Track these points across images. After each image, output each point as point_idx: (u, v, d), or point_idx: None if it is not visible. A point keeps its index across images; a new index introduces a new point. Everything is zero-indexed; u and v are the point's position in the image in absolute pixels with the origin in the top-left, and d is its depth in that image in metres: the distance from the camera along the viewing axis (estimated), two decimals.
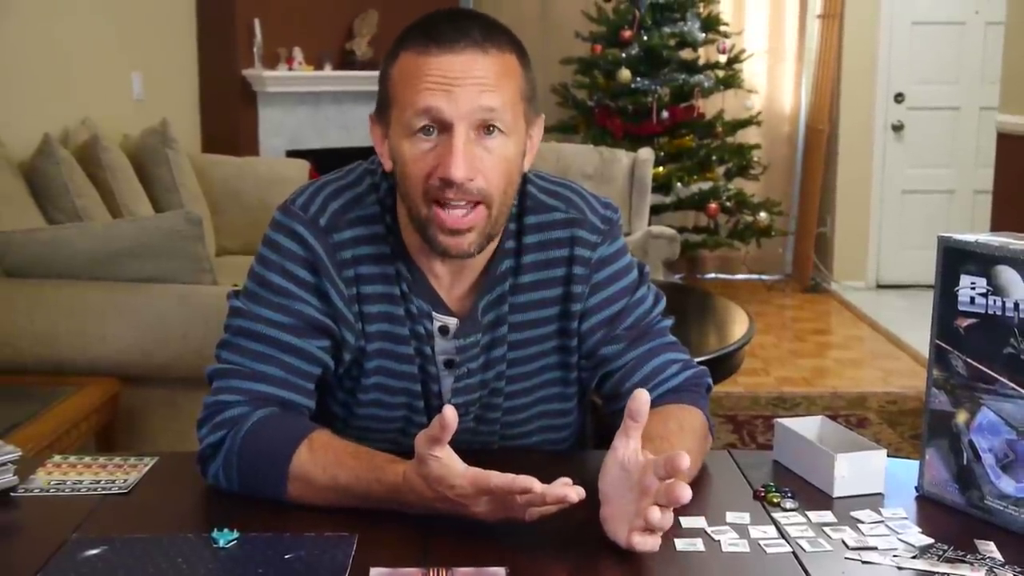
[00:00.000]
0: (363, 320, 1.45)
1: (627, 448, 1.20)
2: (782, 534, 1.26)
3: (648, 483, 1.17)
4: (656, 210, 6.07)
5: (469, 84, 1.31)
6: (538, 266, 1.49)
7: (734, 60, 6.46)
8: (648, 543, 1.16)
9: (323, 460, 1.31)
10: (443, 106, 1.31)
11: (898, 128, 6.75)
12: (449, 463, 1.20)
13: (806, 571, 1.17)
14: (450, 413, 1.18)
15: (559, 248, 1.49)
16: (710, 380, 1.55)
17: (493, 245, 1.45)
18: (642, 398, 1.19)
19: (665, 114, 6.21)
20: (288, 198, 1.46)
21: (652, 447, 1.30)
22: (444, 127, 1.32)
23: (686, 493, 1.13)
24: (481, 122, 1.32)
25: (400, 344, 1.46)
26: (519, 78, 1.38)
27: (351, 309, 1.43)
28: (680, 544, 1.22)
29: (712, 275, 7.16)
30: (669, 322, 1.57)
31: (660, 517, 1.15)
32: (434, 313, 1.46)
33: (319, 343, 1.42)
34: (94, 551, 1.19)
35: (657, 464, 1.16)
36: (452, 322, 1.47)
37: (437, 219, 1.34)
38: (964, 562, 1.19)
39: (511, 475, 1.17)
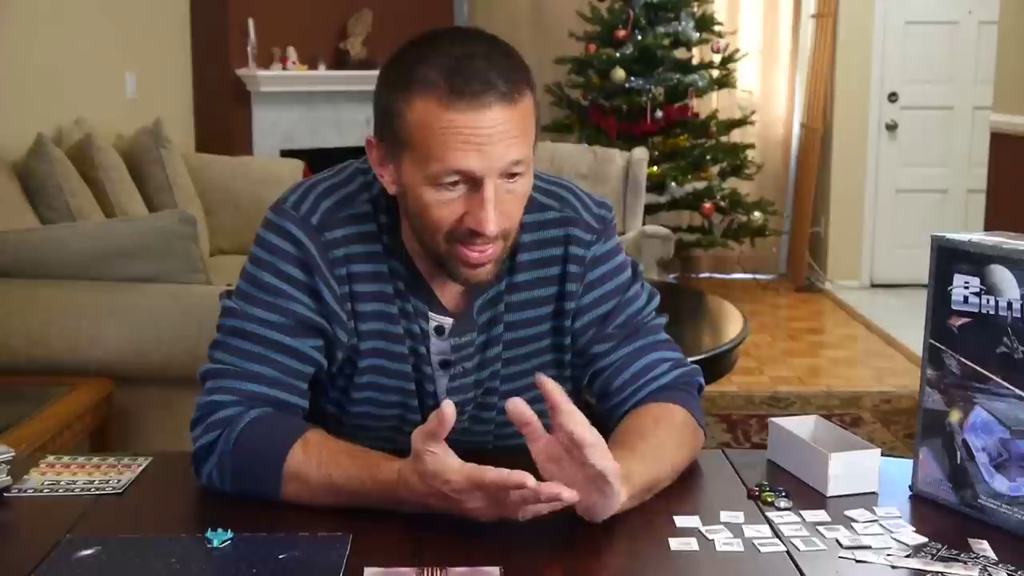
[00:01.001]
0: (356, 319, 1.45)
1: (538, 446, 1.23)
2: (776, 533, 1.26)
3: (570, 451, 1.21)
4: (650, 209, 6.08)
5: (498, 140, 1.29)
6: (533, 265, 1.49)
7: (728, 60, 6.47)
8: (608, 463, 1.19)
9: (317, 459, 1.31)
10: (475, 165, 1.29)
11: (892, 127, 6.76)
12: (444, 459, 1.21)
13: (800, 570, 1.18)
14: (448, 409, 1.19)
15: (554, 247, 1.49)
16: (702, 379, 1.55)
17: None
18: (515, 406, 1.21)
19: (659, 114, 6.21)
20: (279, 197, 1.46)
21: (620, 439, 1.35)
22: (474, 181, 1.31)
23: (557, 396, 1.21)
24: (508, 171, 1.32)
25: (394, 343, 1.46)
26: (534, 113, 1.36)
27: (344, 307, 1.43)
28: (674, 543, 1.22)
29: (706, 274, 7.17)
30: (662, 320, 1.57)
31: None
32: (430, 313, 1.46)
33: (312, 342, 1.42)
34: (88, 551, 1.19)
35: (557, 432, 1.21)
36: (447, 322, 1.47)
37: (460, 255, 1.35)
38: (958, 561, 1.19)
39: (506, 470, 1.18)
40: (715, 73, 6.43)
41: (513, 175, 1.33)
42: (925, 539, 1.25)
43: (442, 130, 1.28)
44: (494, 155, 1.29)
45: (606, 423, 1.50)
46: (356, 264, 1.44)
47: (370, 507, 1.28)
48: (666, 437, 1.40)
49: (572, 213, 1.50)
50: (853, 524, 1.29)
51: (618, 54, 6.25)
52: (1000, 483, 1.28)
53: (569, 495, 1.18)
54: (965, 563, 1.18)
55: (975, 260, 1.29)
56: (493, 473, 1.18)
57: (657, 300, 1.57)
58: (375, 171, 1.41)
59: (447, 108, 1.28)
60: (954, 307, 1.31)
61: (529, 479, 1.17)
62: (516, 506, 1.20)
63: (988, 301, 1.28)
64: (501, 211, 1.32)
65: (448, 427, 1.19)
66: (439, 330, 1.47)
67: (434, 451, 1.21)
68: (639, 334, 1.52)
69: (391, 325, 1.46)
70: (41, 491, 1.36)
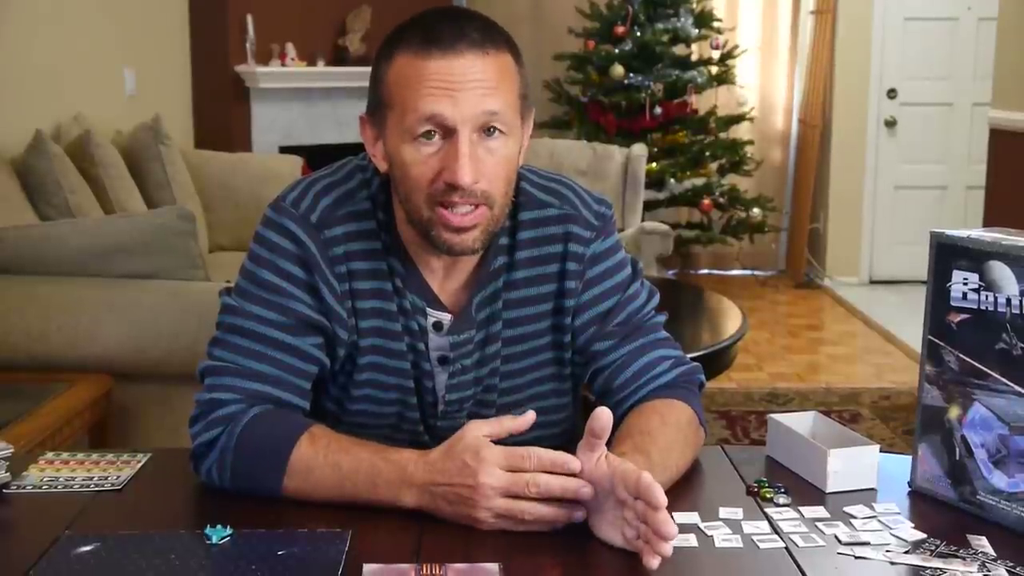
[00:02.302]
0: (356, 316, 1.45)
1: (590, 461, 1.22)
2: (775, 529, 1.26)
3: (621, 496, 1.18)
4: (649, 206, 6.08)
5: (471, 87, 1.31)
6: (532, 262, 1.49)
7: (727, 56, 6.47)
8: (655, 563, 1.14)
9: (325, 449, 1.31)
10: (446, 111, 1.31)
11: (891, 124, 6.75)
12: (487, 439, 1.25)
13: (799, 566, 1.18)
14: (530, 415, 1.28)
15: (553, 244, 1.49)
16: (703, 377, 1.55)
17: None
18: (604, 417, 1.21)
19: (658, 110, 6.21)
20: (279, 195, 1.46)
21: (632, 443, 1.32)
22: (447, 131, 1.32)
23: (671, 530, 1.13)
24: (484, 125, 1.33)
25: (393, 340, 1.46)
26: (516, 77, 1.38)
27: (344, 305, 1.43)
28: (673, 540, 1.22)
29: (705, 271, 7.17)
30: (662, 318, 1.57)
31: (664, 551, 1.14)
32: (428, 309, 1.46)
33: (313, 340, 1.42)
34: (87, 548, 1.19)
35: (627, 481, 1.17)
36: (446, 318, 1.47)
37: (442, 219, 1.35)
38: (957, 557, 1.19)
39: (557, 452, 1.23)
40: (714, 69, 6.42)
41: (491, 131, 1.34)
42: (924, 535, 1.25)
43: (416, 79, 1.32)
44: (467, 102, 1.31)
45: None
46: (355, 261, 1.44)
47: (372, 499, 1.28)
48: (674, 439, 1.40)
49: (571, 210, 1.50)
50: (852, 520, 1.29)
51: (617, 50, 6.25)
52: (999, 479, 1.28)
53: (584, 496, 1.22)
54: (964, 559, 1.18)
55: (974, 256, 1.29)
56: (544, 451, 1.23)
57: (657, 298, 1.57)
58: (368, 152, 1.43)
59: (422, 58, 1.32)
60: (953, 303, 1.31)
61: (576, 463, 1.22)
62: (523, 508, 1.21)
63: (987, 297, 1.28)
64: (480, 169, 1.33)
65: (520, 430, 1.28)
66: (437, 326, 1.47)
67: (484, 434, 1.24)
68: (640, 332, 1.52)
69: (390, 322, 1.46)
70: (40, 488, 1.36)
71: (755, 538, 1.24)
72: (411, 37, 1.34)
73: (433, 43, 1.31)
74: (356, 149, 1.48)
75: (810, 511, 1.31)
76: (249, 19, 5.96)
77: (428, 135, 1.33)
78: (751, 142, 6.67)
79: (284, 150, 6.09)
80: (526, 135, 1.43)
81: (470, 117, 1.31)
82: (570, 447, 1.62)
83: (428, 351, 1.47)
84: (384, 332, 1.46)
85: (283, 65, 6.12)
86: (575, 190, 1.53)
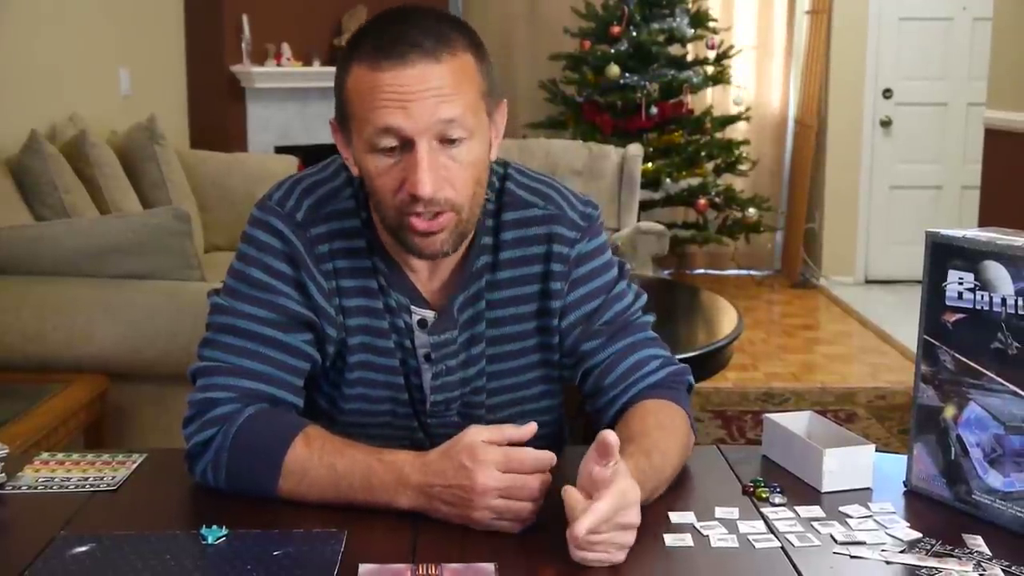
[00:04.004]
0: (343, 314, 1.45)
1: (598, 466, 1.20)
2: (771, 529, 1.26)
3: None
4: (645, 206, 6.08)
5: (425, 97, 1.29)
6: (515, 263, 1.49)
7: (723, 56, 6.47)
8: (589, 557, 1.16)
9: (320, 450, 1.31)
10: (402, 123, 1.29)
11: (886, 124, 6.76)
12: (487, 442, 1.24)
13: (795, 566, 1.18)
14: (530, 427, 1.26)
15: (536, 245, 1.49)
16: (691, 378, 1.55)
17: (468, 241, 1.45)
18: (610, 439, 1.18)
19: (654, 110, 6.21)
20: (265, 194, 1.47)
21: (636, 445, 1.32)
22: (405, 142, 1.31)
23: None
24: (442, 133, 1.31)
25: (381, 337, 1.46)
26: (476, 76, 1.36)
27: (331, 302, 1.43)
28: (669, 539, 1.23)
29: (701, 271, 7.17)
30: (650, 319, 1.56)
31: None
32: (412, 307, 1.46)
33: (303, 336, 1.42)
34: (82, 548, 1.19)
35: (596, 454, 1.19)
36: (430, 315, 1.47)
37: (409, 225, 1.35)
38: (952, 556, 1.19)
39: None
40: (710, 69, 6.43)
41: (452, 141, 1.32)
42: (919, 535, 1.25)
43: (370, 91, 1.31)
44: (421, 113, 1.29)
45: (598, 420, 1.50)
46: (340, 259, 1.44)
47: (367, 500, 1.28)
48: (671, 442, 1.40)
49: (556, 211, 1.49)
50: (848, 520, 1.29)
51: (613, 50, 6.25)
52: (994, 479, 1.28)
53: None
54: (959, 559, 1.19)
55: (969, 256, 1.29)
56: (543, 453, 1.23)
57: (644, 299, 1.57)
58: (342, 154, 1.43)
59: (374, 70, 1.31)
60: (948, 303, 1.32)
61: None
62: (519, 508, 1.21)
63: (982, 297, 1.28)
64: (442, 177, 1.32)
65: (521, 440, 1.25)
66: (422, 323, 1.47)
67: (484, 438, 1.24)
68: (627, 331, 1.52)
69: (377, 320, 1.46)
70: (35, 488, 1.36)
71: (751, 538, 1.24)
72: (365, 46, 1.32)
73: (382, 53, 1.30)
74: None
75: (806, 511, 1.31)
76: (245, 19, 5.96)
77: (387, 147, 1.32)
78: (747, 142, 6.68)
79: (280, 150, 6.09)
80: (498, 126, 1.42)
81: (426, 127, 1.30)
82: (558, 448, 1.63)
83: (415, 348, 1.47)
84: (372, 330, 1.46)
85: (279, 65, 6.12)
86: (560, 191, 1.53)
